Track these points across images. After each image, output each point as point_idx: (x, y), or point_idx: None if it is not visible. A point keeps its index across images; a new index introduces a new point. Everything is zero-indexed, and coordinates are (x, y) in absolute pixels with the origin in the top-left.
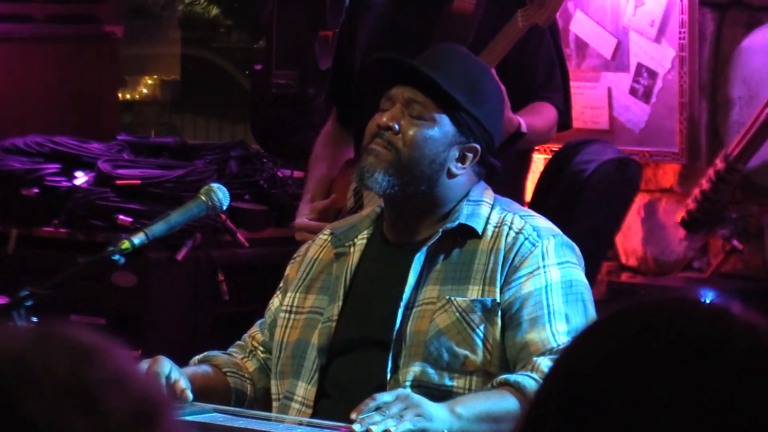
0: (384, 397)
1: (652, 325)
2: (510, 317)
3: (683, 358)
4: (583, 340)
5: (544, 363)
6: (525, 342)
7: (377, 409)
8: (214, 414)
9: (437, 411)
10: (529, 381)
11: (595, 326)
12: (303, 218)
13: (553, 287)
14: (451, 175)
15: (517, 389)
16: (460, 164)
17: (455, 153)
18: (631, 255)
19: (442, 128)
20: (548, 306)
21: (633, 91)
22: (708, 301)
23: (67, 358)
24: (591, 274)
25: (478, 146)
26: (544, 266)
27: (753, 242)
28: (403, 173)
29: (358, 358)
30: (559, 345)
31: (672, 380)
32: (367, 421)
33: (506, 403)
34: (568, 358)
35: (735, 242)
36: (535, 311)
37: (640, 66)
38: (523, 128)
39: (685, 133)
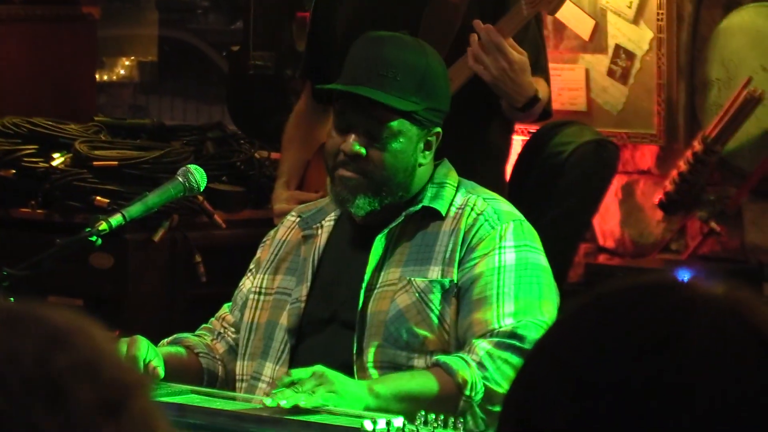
0: (299, 373)
1: (608, 317)
2: (461, 297)
3: (638, 351)
4: (549, 332)
5: (480, 345)
6: (470, 322)
7: (291, 384)
8: (191, 395)
9: (352, 388)
10: (459, 363)
11: (563, 314)
12: (283, 205)
13: (506, 269)
14: (420, 166)
15: (445, 370)
16: (427, 152)
17: (421, 146)
18: (609, 237)
19: (406, 134)
20: (498, 287)
21: (611, 73)
22: (677, 286)
23: (34, 344)
24: (568, 256)
25: (438, 129)
26: (499, 248)
27: (731, 224)
28: (381, 191)
29: (325, 338)
30: (500, 327)
31: (626, 373)
32: (279, 395)
33: (429, 384)
34: (532, 353)
35: (713, 224)
36: (483, 292)
37: (617, 47)
38: (540, 94)
39: (663, 115)
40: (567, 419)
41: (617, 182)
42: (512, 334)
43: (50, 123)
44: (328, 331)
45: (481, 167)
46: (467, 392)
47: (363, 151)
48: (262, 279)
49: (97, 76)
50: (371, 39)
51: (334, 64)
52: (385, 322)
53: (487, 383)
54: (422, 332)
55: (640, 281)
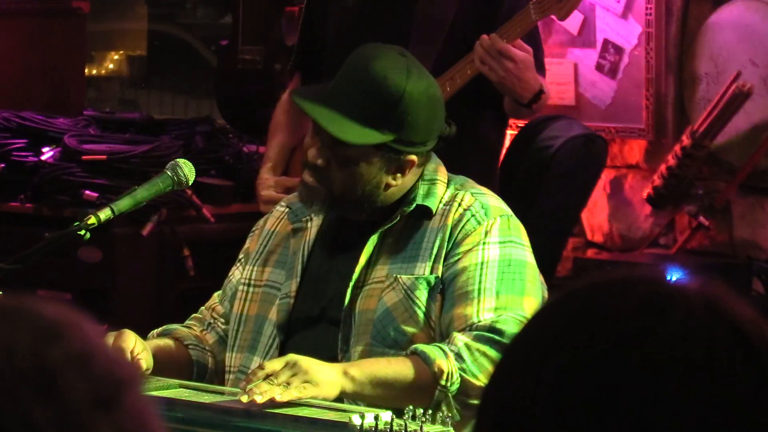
0: (273, 365)
1: (584, 311)
2: (445, 292)
3: (612, 345)
4: (525, 328)
5: (459, 338)
6: (452, 317)
7: (266, 378)
8: (180, 389)
9: (326, 375)
10: (436, 352)
11: (539, 311)
12: (270, 191)
13: (489, 264)
14: (389, 186)
15: (422, 359)
16: (399, 175)
17: (391, 169)
18: (597, 231)
19: (368, 160)
20: (479, 282)
21: (599, 67)
22: (652, 280)
23: (28, 336)
24: (556, 250)
25: (413, 157)
26: (483, 243)
27: (719, 219)
28: (338, 205)
29: (313, 334)
30: (480, 321)
31: (600, 367)
32: (254, 390)
33: (405, 371)
34: (509, 349)
35: (701, 219)
36: (465, 287)
37: (606, 42)
38: (545, 88)
39: (652, 110)
40: (544, 411)
41: (605, 177)
42: (491, 328)
43: (40, 117)
44: (316, 329)
45: (472, 160)
46: (443, 382)
47: (322, 162)
48: (252, 271)
49: (86, 70)
50: (362, 55)
51: (325, 57)
52: (373, 320)
53: (464, 374)
54: (410, 330)
55: (614, 275)
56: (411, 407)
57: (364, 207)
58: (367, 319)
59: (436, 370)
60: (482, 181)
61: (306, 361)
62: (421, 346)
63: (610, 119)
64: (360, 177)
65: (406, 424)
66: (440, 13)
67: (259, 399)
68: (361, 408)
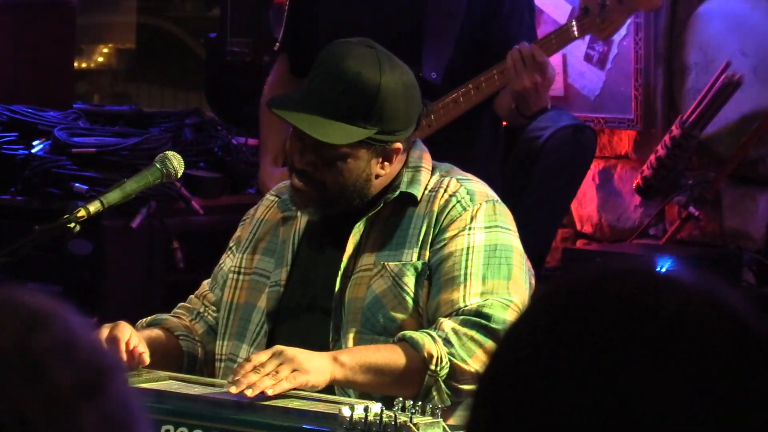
0: (259, 356)
1: (579, 298)
2: (431, 278)
3: (609, 329)
4: (519, 317)
5: (446, 323)
6: (438, 302)
7: (254, 369)
8: (169, 381)
9: (315, 362)
10: (424, 337)
11: (532, 300)
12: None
13: (475, 249)
14: (378, 176)
15: (411, 345)
16: (387, 164)
17: (379, 159)
18: (587, 222)
19: (355, 155)
20: (465, 267)
21: (588, 58)
22: (647, 269)
23: (14, 325)
24: (546, 240)
25: (398, 144)
26: (469, 229)
27: (709, 209)
28: (331, 203)
29: (303, 323)
30: (467, 306)
31: (596, 352)
32: (243, 383)
33: (394, 357)
34: (502, 340)
35: (691, 209)
36: (451, 272)
37: None
38: (549, 105)
39: (641, 100)
40: (542, 396)
41: (594, 167)
42: (478, 313)
43: (30, 110)
44: (306, 317)
45: (476, 156)
46: (433, 367)
47: (308, 166)
48: (241, 258)
49: (75, 64)
50: (333, 52)
51: (316, 39)
52: (362, 308)
53: (453, 359)
54: (399, 316)
55: (610, 266)
56: (400, 399)
57: (356, 201)
58: (357, 307)
59: (425, 355)
60: (487, 175)
61: (293, 350)
62: (409, 333)
63: (599, 110)
64: (350, 173)
65: (395, 416)
66: (452, 8)
67: (249, 393)
68: (351, 399)
